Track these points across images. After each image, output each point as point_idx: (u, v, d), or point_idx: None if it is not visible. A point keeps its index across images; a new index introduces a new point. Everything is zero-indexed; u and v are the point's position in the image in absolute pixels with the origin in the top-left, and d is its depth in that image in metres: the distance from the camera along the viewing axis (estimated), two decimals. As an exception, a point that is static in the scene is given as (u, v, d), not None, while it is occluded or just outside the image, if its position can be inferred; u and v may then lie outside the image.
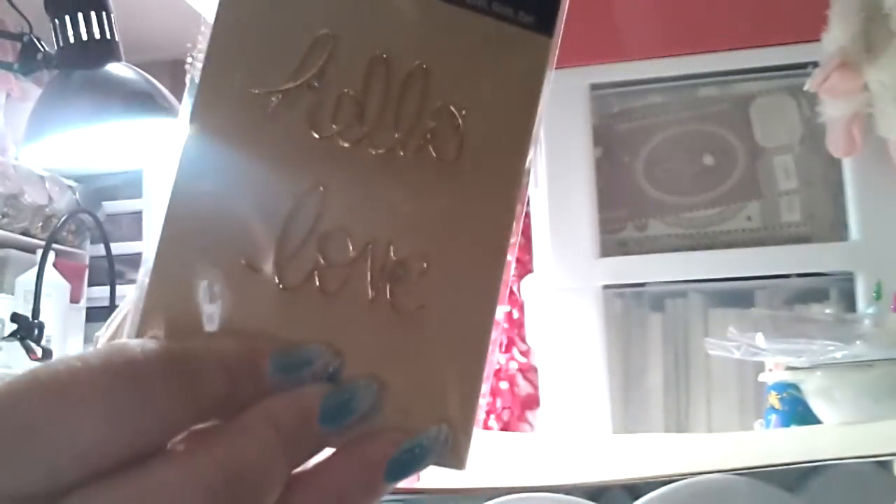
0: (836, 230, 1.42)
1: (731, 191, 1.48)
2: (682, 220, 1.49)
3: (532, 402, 1.69)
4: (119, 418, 0.26)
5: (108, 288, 1.87)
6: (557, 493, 0.69)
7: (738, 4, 1.45)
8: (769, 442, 1.01)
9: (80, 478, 0.26)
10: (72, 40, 1.20)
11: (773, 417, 1.09)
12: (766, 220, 1.47)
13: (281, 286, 0.32)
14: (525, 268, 1.68)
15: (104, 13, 1.21)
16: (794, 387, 1.04)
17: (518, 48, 0.38)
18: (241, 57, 0.36)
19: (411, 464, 0.32)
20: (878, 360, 0.94)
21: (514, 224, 0.38)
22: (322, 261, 0.33)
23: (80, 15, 1.20)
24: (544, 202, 1.47)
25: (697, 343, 1.42)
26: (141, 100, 1.20)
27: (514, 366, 1.69)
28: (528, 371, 1.69)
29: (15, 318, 1.62)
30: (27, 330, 1.62)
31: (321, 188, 0.33)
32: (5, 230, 1.69)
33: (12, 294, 1.70)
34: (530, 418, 1.70)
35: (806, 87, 1.27)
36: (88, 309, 1.92)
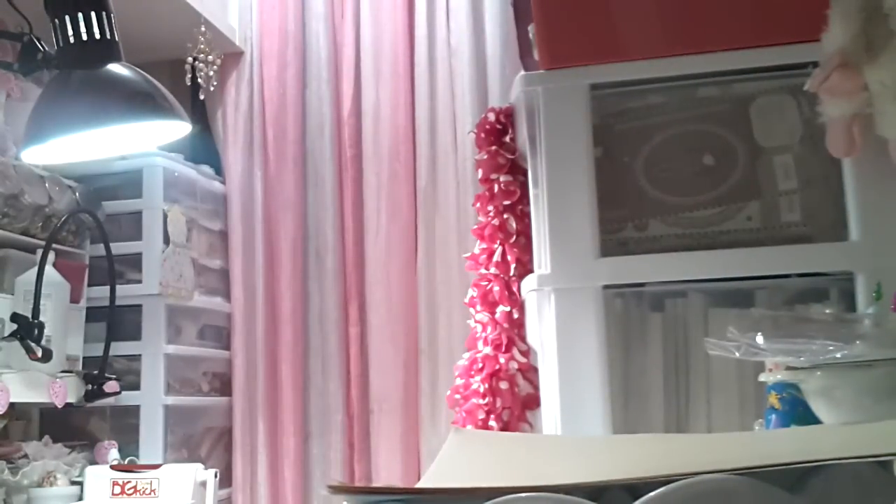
0: (836, 230, 1.42)
1: (731, 191, 1.48)
2: (682, 220, 1.49)
3: (532, 402, 1.69)
4: None
5: (108, 288, 1.87)
6: (557, 493, 0.69)
7: (739, 4, 1.45)
8: (769, 442, 1.01)
9: None
10: (72, 40, 1.20)
11: (773, 417, 1.09)
12: (766, 220, 1.47)
13: None
14: (525, 268, 1.68)
15: (104, 13, 1.21)
16: (794, 387, 1.04)
17: None
18: None
19: None
20: (878, 360, 0.94)
21: None
22: None
23: (80, 15, 1.19)
24: (544, 202, 1.47)
25: (697, 343, 1.42)
26: (141, 100, 1.20)
27: (514, 366, 1.69)
28: (528, 371, 1.69)
29: (15, 318, 1.62)
30: (27, 330, 1.62)
31: None
32: (5, 230, 1.69)
33: (12, 294, 1.69)
34: (530, 418, 1.70)
35: (806, 87, 1.26)
36: (88, 309, 1.92)
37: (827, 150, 1.32)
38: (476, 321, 1.76)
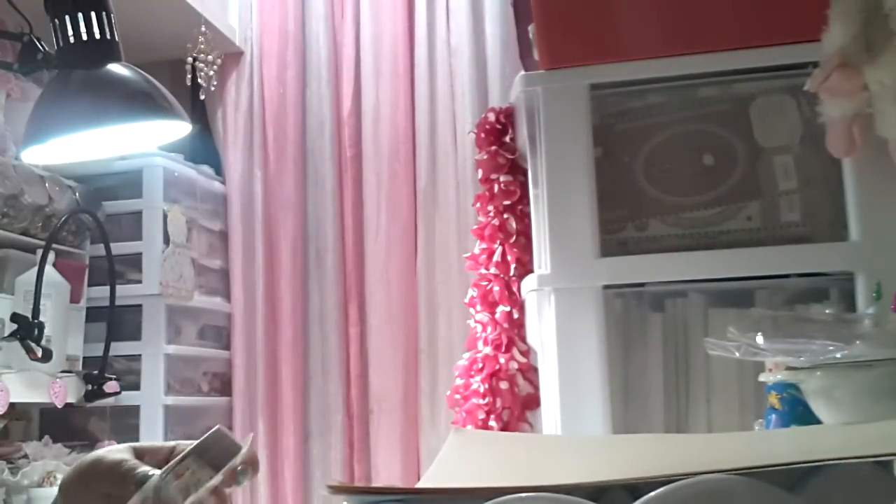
0: (836, 230, 1.42)
1: (731, 191, 1.48)
2: (682, 220, 1.49)
3: (532, 402, 1.69)
4: None
5: (108, 288, 1.87)
6: (557, 493, 0.69)
7: (739, 4, 1.45)
8: (769, 442, 1.01)
9: None
10: (72, 40, 1.20)
11: (773, 417, 1.08)
12: (766, 220, 1.47)
13: None
14: (525, 268, 1.68)
15: (104, 13, 1.21)
16: (794, 387, 1.04)
17: None
18: None
19: None
20: (878, 360, 0.94)
21: None
22: None
23: (80, 15, 1.19)
24: (544, 202, 1.47)
25: (697, 343, 1.42)
26: (141, 100, 1.20)
27: (514, 366, 1.69)
28: (528, 371, 1.69)
29: (15, 318, 1.62)
30: (27, 330, 1.62)
31: None
32: (5, 230, 1.69)
33: (12, 294, 1.69)
34: (530, 418, 1.70)
35: (806, 88, 1.26)
36: (88, 309, 1.91)
37: (827, 150, 1.32)
38: (476, 321, 1.76)
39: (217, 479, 0.64)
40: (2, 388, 1.56)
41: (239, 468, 0.66)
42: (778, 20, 1.42)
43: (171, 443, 0.69)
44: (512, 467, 0.92)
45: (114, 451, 0.69)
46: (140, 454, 0.69)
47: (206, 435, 0.65)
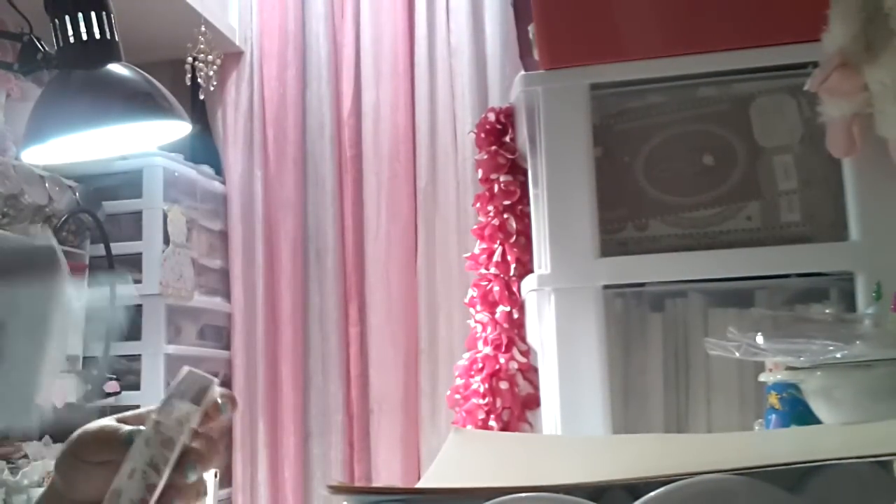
0: (836, 230, 1.42)
1: (731, 191, 1.48)
2: (682, 220, 1.49)
3: (532, 402, 1.69)
4: None
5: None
6: (557, 493, 0.69)
7: (739, 4, 1.45)
8: (769, 442, 1.01)
9: None
10: (72, 40, 1.20)
11: (773, 417, 1.08)
12: (766, 220, 1.47)
13: None
14: (525, 268, 1.68)
15: (104, 13, 1.21)
16: (794, 387, 1.04)
17: None
18: None
19: None
20: (878, 360, 0.94)
21: None
22: None
23: (80, 15, 1.19)
24: (544, 202, 1.47)
25: (697, 343, 1.42)
26: (141, 100, 1.20)
27: (514, 366, 1.69)
28: (528, 371, 1.69)
29: (15, 318, 1.62)
30: (27, 330, 1.62)
31: None
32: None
33: (12, 294, 1.70)
34: (530, 418, 1.70)
35: (806, 87, 1.26)
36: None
37: (827, 150, 1.32)
38: (476, 321, 1.76)
39: (201, 411, 0.68)
40: (2, 388, 1.56)
41: (219, 401, 0.70)
42: (778, 20, 1.42)
43: (153, 406, 0.71)
44: (512, 467, 0.92)
45: (97, 421, 0.71)
46: (123, 422, 0.71)
47: (180, 377, 0.69)
